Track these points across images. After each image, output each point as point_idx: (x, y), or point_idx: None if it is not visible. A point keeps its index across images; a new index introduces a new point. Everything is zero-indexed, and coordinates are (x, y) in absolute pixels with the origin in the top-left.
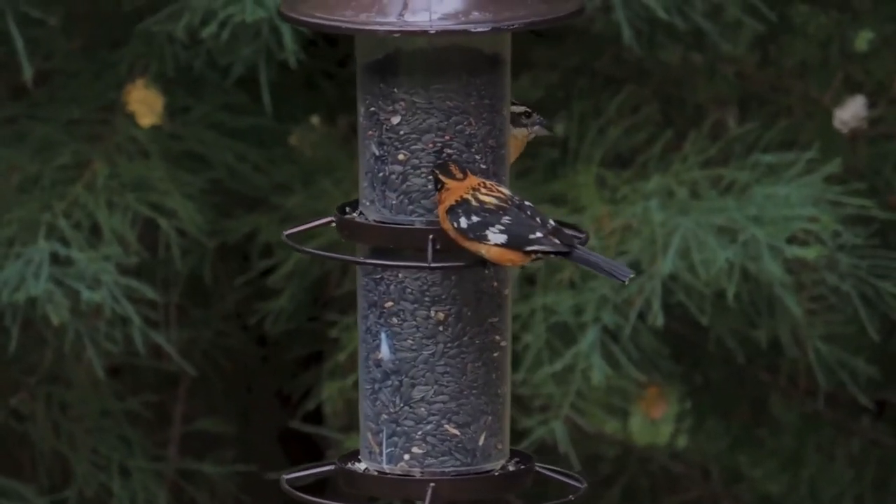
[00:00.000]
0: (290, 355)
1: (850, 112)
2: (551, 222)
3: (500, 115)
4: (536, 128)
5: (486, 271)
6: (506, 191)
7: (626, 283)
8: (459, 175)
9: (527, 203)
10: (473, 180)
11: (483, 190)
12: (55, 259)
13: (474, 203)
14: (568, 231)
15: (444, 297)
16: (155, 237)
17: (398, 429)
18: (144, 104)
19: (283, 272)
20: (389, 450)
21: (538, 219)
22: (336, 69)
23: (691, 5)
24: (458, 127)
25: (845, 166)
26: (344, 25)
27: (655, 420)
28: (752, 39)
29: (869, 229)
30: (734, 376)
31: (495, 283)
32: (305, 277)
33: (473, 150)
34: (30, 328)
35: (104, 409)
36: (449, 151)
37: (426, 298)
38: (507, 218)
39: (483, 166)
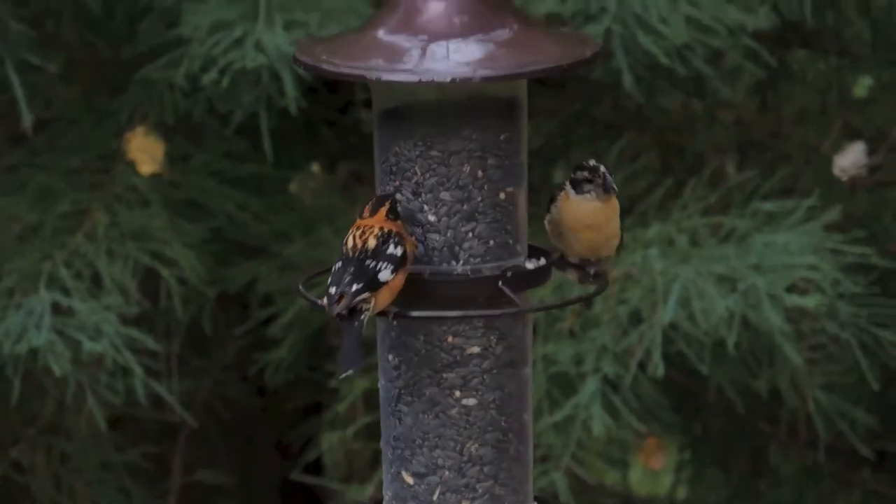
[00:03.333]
0: (290, 405)
1: (850, 159)
2: (353, 289)
3: (516, 159)
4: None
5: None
6: (371, 241)
7: (338, 376)
8: (367, 214)
9: (369, 263)
10: (371, 221)
11: (359, 232)
12: (56, 309)
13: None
14: None
15: (398, 343)
16: (155, 286)
17: (385, 464)
18: (145, 152)
19: (282, 322)
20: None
21: (348, 279)
22: (336, 116)
23: (692, 51)
24: (468, 173)
25: (845, 214)
26: (364, 73)
27: (655, 471)
28: (752, 85)
29: (869, 277)
30: (734, 426)
31: (451, 338)
32: (305, 327)
33: (482, 195)
34: (31, 379)
35: (104, 461)
36: (443, 197)
37: (386, 342)
38: (336, 266)
39: (496, 214)
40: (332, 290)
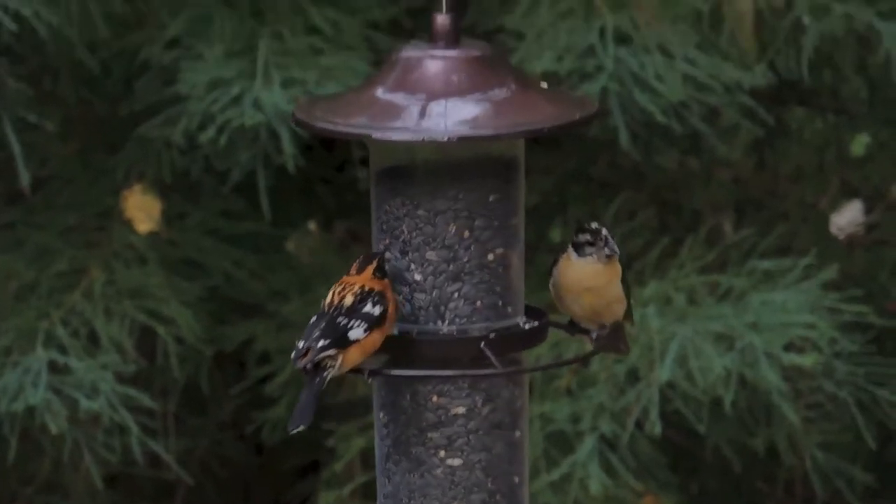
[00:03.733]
0: (288, 464)
1: (847, 217)
2: (319, 345)
3: (508, 220)
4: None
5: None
6: (349, 298)
7: (290, 431)
8: (353, 271)
9: (341, 320)
10: (355, 278)
11: (339, 289)
12: (53, 367)
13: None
14: None
15: (387, 402)
16: (152, 344)
17: None
18: (142, 210)
19: (279, 380)
20: None
21: (316, 334)
22: (333, 174)
23: (689, 108)
24: (454, 233)
25: (842, 272)
26: (362, 132)
27: None
28: (749, 143)
29: (866, 336)
30: (731, 485)
31: (436, 398)
32: (302, 386)
33: (469, 255)
34: (28, 437)
35: None
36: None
37: (378, 400)
38: (311, 321)
39: (483, 275)
40: (300, 343)
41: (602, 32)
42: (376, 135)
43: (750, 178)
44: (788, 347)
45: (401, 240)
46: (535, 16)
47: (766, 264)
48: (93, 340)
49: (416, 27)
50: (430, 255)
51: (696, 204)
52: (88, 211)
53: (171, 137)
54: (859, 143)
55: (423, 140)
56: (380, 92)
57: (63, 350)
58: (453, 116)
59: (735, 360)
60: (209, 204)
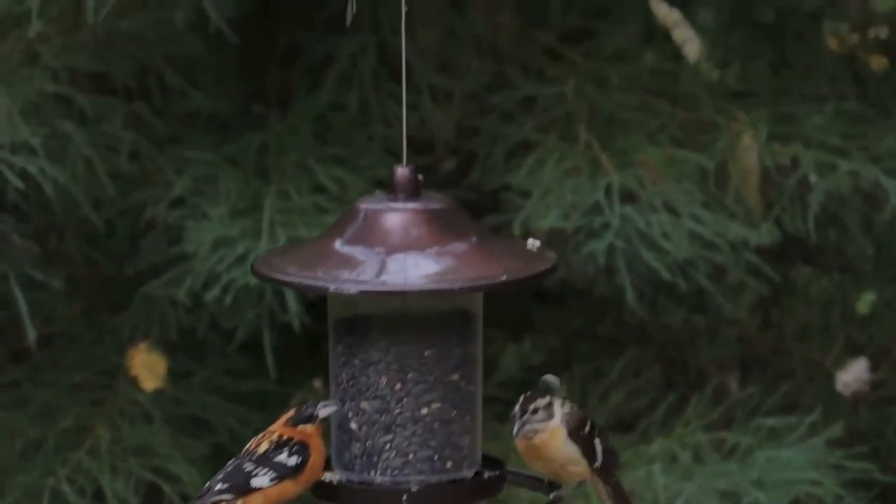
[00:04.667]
0: None
1: (852, 375)
2: (217, 488)
3: (448, 376)
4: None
5: None
6: (264, 445)
7: None
8: (281, 419)
9: (247, 466)
10: (278, 426)
11: (261, 436)
12: None
13: None
14: None
15: None
16: (158, 502)
17: None
18: (147, 368)
19: None
20: None
21: (220, 476)
22: None
23: (695, 266)
24: (385, 385)
25: (847, 429)
26: (318, 285)
27: None
28: (755, 301)
29: (871, 493)
30: None
31: None
32: None
33: (401, 408)
34: None
35: None
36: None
37: None
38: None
39: (416, 428)
40: (207, 483)
41: (608, 190)
42: (332, 287)
43: (755, 335)
44: None
45: (341, 387)
46: (540, 174)
47: (772, 422)
48: (99, 498)
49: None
50: (364, 404)
51: (702, 362)
52: (94, 369)
53: (177, 296)
54: (865, 302)
55: (380, 294)
56: (338, 244)
57: None
58: (412, 270)
59: None
60: (214, 362)
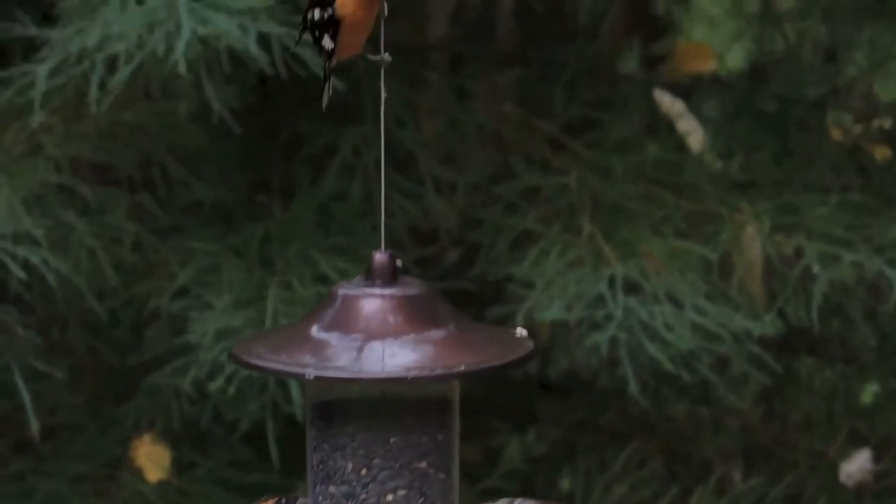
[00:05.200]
0: None
1: (856, 465)
2: None
3: (415, 464)
4: None
5: None
6: None
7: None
8: None
9: None
10: None
11: None
12: None
13: None
14: None
15: None
16: None
17: None
18: (151, 459)
19: None
20: None
21: None
22: None
23: (698, 358)
24: (351, 470)
25: None
26: (293, 371)
27: None
28: (758, 392)
29: None
30: None
31: None
32: None
33: (366, 494)
34: None
35: None
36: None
37: None
38: None
39: None
40: None
41: (611, 281)
42: (309, 373)
43: (759, 426)
44: None
45: (314, 471)
46: (543, 265)
47: None
48: None
49: (423, 273)
50: (332, 489)
51: (706, 453)
52: (98, 460)
53: (181, 387)
54: (868, 392)
55: (357, 380)
56: (315, 330)
57: None
58: (389, 358)
59: None
60: (218, 453)
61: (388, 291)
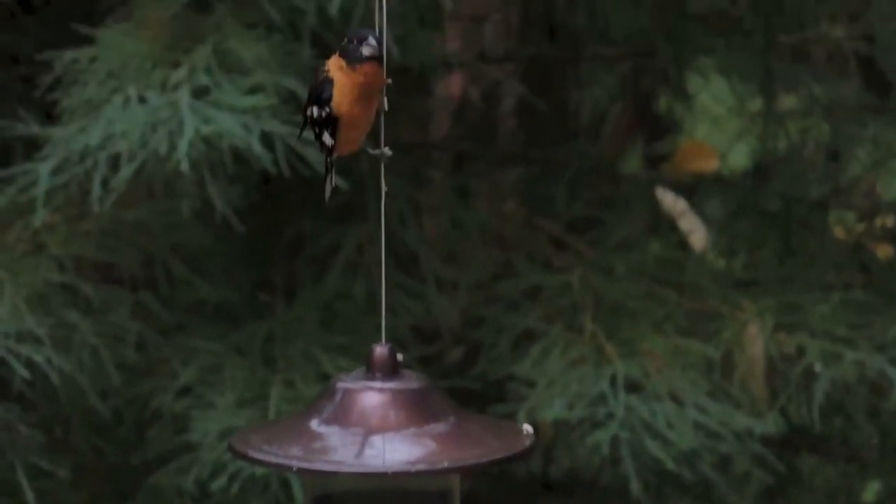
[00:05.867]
0: None
1: None
2: None
3: None
4: None
5: None
6: None
7: None
8: None
9: None
10: None
11: None
12: None
13: None
14: None
15: None
16: None
17: None
18: None
19: None
20: None
21: None
22: None
23: (700, 456)
24: None
25: None
26: (295, 464)
27: None
28: (760, 491)
29: None
30: None
31: None
32: None
33: None
34: None
35: None
36: None
37: None
38: None
39: None
40: None
41: (613, 380)
42: (310, 467)
43: None
44: None
45: None
46: (545, 364)
47: None
48: None
49: (426, 372)
50: None
51: None
52: None
53: (183, 486)
54: (870, 491)
55: (358, 475)
56: (315, 423)
57: None
58: (390, 453)
59: None
60: None
61: (388, 385)
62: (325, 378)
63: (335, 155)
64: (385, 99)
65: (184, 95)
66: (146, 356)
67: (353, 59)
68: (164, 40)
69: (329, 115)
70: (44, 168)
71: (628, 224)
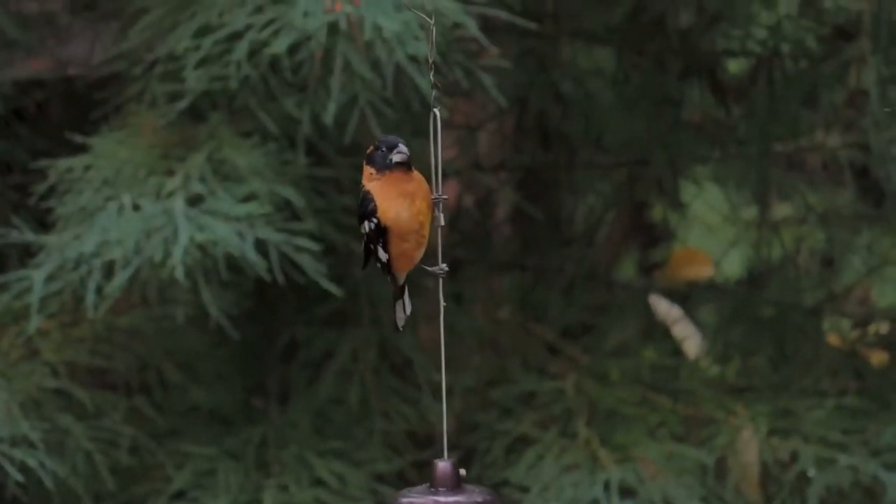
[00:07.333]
0: None
1: None
2: None
3: None
4: None
5: None
6: None
7: None
8: None
9: None
10: None
11: None
12: None
13: None
14: None
15: None
16: None
17: None
18: None
19: None
20: None
21: None
22: None
23: None
24: None
25: None
26: None
27: None
28: None
29: None
30: None
31: None
32: None
33: None
34: None
35: None
36: None
37: None
38: None
39: None
40: None
41: (606, 486)
42: None
43: None
44: None
45: None
46: (539, 469)
47: None
48: None
49: (421, 479)
50: None
51: None
52: None
53: None
54: None
55: None
56: None
57: None
58: None
59: None
60: None
61: (452, 499)
62: (318, 483)
63: (394, 272)
64: (441, 215)
65: (178, 203)
66: (140, 460)
67: (382, 166)
68: (159, 148)
69: (378, 225)
70: (38, 275)
71: (622, 330)
